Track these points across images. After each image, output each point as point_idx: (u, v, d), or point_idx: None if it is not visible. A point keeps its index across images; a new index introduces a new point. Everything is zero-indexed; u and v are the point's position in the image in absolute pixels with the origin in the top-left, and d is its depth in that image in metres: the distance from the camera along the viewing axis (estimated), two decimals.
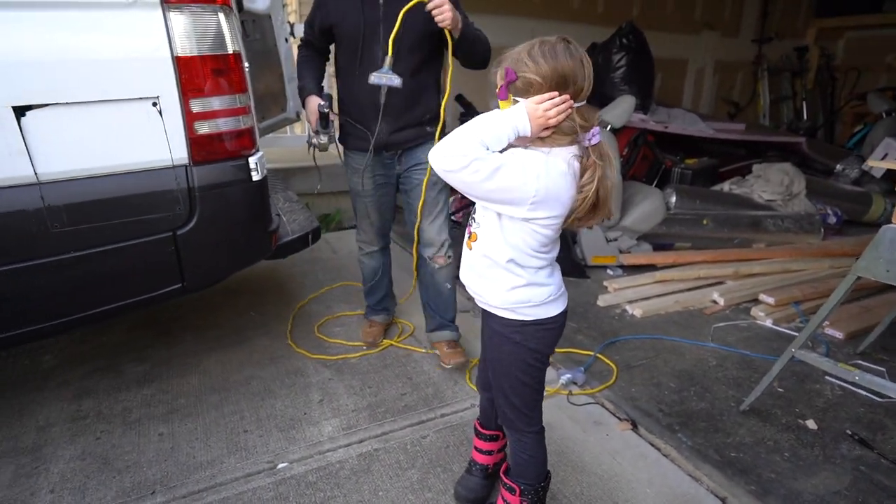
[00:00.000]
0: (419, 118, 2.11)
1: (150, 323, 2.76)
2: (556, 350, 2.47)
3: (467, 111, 4.48)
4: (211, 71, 1.67)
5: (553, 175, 1.18)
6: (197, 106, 1.67)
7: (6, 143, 1.47)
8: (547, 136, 1.20)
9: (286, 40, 3.95)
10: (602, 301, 3.04)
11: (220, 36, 1.68)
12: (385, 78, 1.89)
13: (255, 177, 1.83)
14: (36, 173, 1.53)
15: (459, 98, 4.59)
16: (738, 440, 2.00)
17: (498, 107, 1.22)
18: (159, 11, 1.57)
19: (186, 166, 1.70)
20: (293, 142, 4.68)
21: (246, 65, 1.91)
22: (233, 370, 2.37)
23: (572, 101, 1.18)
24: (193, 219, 1.74)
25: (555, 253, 1.34)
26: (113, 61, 1.55)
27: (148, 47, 1.57)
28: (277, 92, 3.90)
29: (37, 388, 2.23)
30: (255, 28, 3.58)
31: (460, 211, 4.48)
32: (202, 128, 1.70)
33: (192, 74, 1.64)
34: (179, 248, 1.75)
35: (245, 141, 1.81)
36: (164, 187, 1.68)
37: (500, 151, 1.18)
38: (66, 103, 1.52)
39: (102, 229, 1.63)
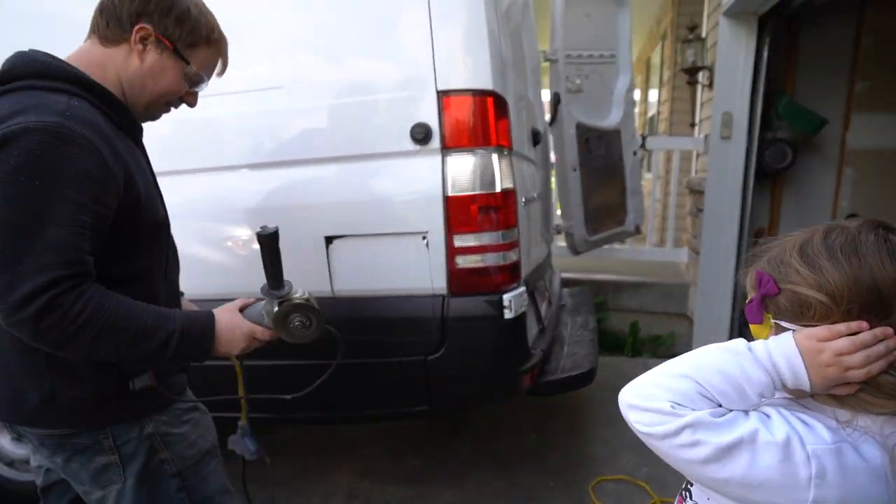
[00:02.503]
0: None
1: (438, 418, 2.94)
2: None
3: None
4: (477, 209, 1.71)
5: (855, 475, 0.66)
6: (459, 241, 1.72)
7: (316, 264, 1.81)
8: (847, 393, 0.70)
9: (634, 153, 3.86)
10: None
11: (490, 175, 1.71)
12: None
13: (507, 314, 1.75)
14: (332, 289, 1.82)
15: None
16: None
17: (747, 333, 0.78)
18: (439, 157, 1.70)
19: (444, 296, 1.76)
20: (627, 255, 4.45)
21: (522, 200, 1.90)
22: (486, 498, 2.28)
23: None
24: (443, 347, 1.77)
25: None
26: (396, 200, 1.76)
27: (425, 188, 1.72)
28: (615, 205, 3.81)
29: (342, 452, 2.62)
30: (600, 143, 3.62)
31: None
32: (462, 262, 1.74)
33: (459, 212, 1.71)
34: (429, 372, 1.80)
35: (503, 277, 1.77)
36: (422, 314, 1.77)
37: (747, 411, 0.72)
38: (358, 235, 1.78)
39: (372, 343, 1.82)
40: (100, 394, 1.04)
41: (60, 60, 1.01)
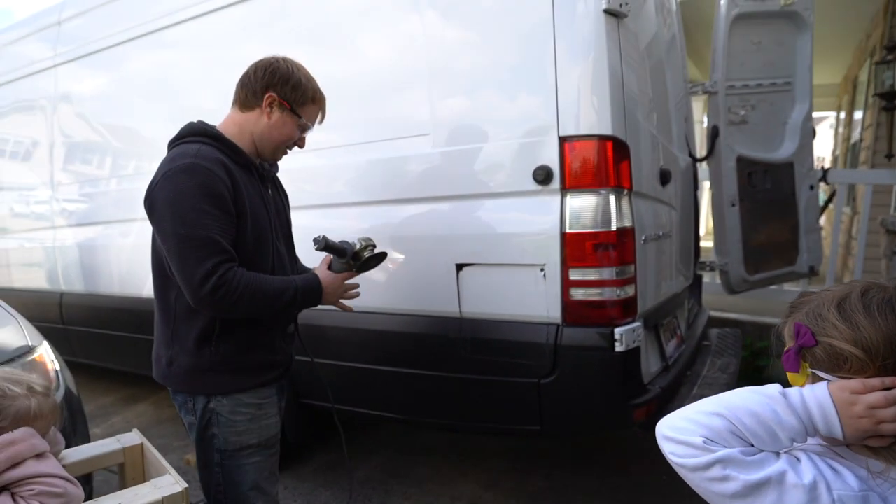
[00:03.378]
0: None
1: (571, 442, 2.99)
2: None
3: None
4: (593, 245, 1.82)
5: None
6: (575, 275, 1.84)
7: (448, 287, 2.06)
8: (881, 445, 0.73)
9: (811, 187, 3.52)
10: None
11: (606, 214, 1.81)
12: None
13: (618, 347, 1.81)
14: (460, 311, 2.06)
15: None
16: None
17: (784, 379, 0.82)
18: (559, 196, 1.85)
19: (558, 325, 1.88)
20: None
21: (642, 238, 1.95)
22: None
23: None
24: (555, 373, 1.89)
25: None
26: (518, 234, 1.93)
27: (544, 225, 1.87)
28: (784, 243, 3.50)
29: (472, 462, 2.82)
30: (766, 178, 3.39)
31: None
32: (576, 294, 1.85)
33: (575, 248, 1.83)
34: (541, 395, 1.93)
35: (616, 311, 1.83)
36: (537, 340, 1.91)
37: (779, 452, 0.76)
38: (485, 264, 1.99)
39: (490, 362, 2.01)
40: (194, 367, 1.45)
41: (205, 124, 1.50)
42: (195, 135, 1.47)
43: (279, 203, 1.67)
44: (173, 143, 1.50)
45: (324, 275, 1.56)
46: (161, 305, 1.50)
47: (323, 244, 1.52)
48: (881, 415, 0.69)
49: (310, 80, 1.53)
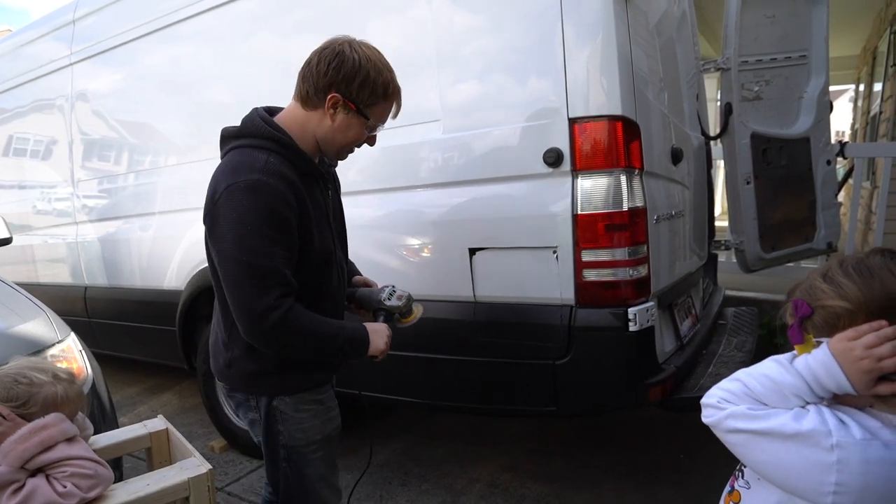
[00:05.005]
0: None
1: (590, 423, 3.01)
2: None
3: None
4: (604, 226, 1.82)
5: (880, 466, 0.75)
6: (587, 256, 1.85)
7: (461, 272, 2.08)
8: (893, 391, 0.78)
9: (828, 162, 3.46)
10: None
11: (618, 195, 1.81)
12: None
13: (632, 327, 1.82)
14: (474, 295, 2.08)
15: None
16: None
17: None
18: (570, 178, 1.85)
19: (571, 307, 1.90)
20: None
21: (654, 218, 1.94)
22: None
23: None
24: (570, 354, 1.91)
25: None
26: (530, 217, 1.94)
27: (556, 207, 1.88)
28: (801, 220, 3.46)
29: (491, 444, 2.86)
30: (782, 154, 3.35)
31: None
32: (589, 275, 1.86)
33: (587, 229, 1.84)
34: (557, 376, 1.95)
35: (628, 291, 1.84)
36: (551, 322, 1.92)
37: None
38: (498, 248, 2.01)
39: (505, 345, 2.03)
40: (254, 370, 1.40)
41: (271, 125, 1.32)
42: (261, 138, 1.30)
43: (337, 204, 1.57)
44: (233, 141, 1.33)
45: (372, 327, 1.45)
46: (222, 305, 1.38)
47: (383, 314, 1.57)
48: (879, 352, 0.76)
49: (381, 72, 1.31)
